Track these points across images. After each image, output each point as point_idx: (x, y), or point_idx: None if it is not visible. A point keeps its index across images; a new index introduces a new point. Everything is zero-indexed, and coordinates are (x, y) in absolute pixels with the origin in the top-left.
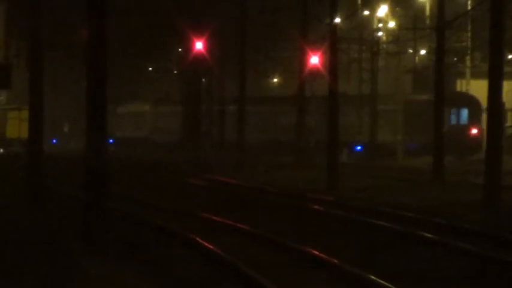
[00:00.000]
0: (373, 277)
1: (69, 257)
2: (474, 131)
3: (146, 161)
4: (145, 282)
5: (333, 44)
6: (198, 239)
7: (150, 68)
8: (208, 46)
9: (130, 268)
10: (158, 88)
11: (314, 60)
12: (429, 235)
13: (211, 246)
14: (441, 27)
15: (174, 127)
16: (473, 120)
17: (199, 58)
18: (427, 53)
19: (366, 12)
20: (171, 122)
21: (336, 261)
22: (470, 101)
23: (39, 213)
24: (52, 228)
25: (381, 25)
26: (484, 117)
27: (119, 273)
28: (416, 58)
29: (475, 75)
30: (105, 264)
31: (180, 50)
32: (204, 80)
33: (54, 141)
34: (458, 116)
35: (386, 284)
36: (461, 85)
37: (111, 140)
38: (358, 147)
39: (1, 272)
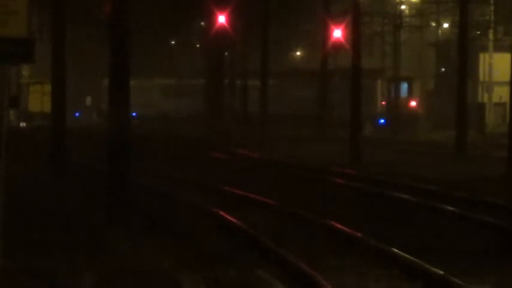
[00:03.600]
0: (396, 250)
1: (92, 230)
2: (413, 103)
3: (162, 134)
4: (167, 256)
5: (356, 17)
6: (220, 212)
7: (173, 42)
8: (231, 20)
9: (153, 241)
10: (181, 62)
11: (337, 33)
12: (452, 208)
13: (233, 220)
14: (464, 0)
15: (154, 101)
16: (413, 93)
17: (221, 32)
18: (450, 26)
19: None
20: (152, 96)
21: (359, 235)
22: (410, 76)
23: (63, 187)
24: (75, 201)
25: None
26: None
27: (141, 247)
28: (439, 32)
29: (498, 49)
30: (128, 237)
31: (202, 23)
32: (226, 54)
33: (77, 114)
34: (398, 89)
35: (410, 257)
36: (484, 59)
37: (134, 113)
38: (382, 121)
39: (25, 245)
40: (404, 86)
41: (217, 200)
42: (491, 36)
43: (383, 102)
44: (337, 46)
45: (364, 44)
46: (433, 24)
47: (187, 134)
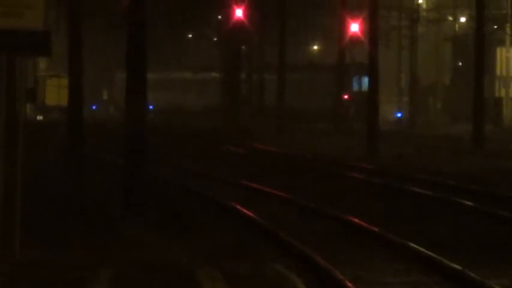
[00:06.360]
0: (414, 245)
1: (110, 223)
2: None
3: (179, 127)
4: (184, 249)
5: (373, 11)
6: (237, 206)
7: (190, 35)
8: (248, 13)
9: (169, 234)
10: (198, 55)
11: (354, 27)
12: (470, 203)
13: (250, 213)
14: None
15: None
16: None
17: (238, 25)
18: (467, 20)
19: None
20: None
21: (376, 229)
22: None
23: (80, 180)
24: (93, 195)
25: None
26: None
27: (157, 240)
28: (456, 26)
29: None
30: (145, 230)
31: (219, 17)
32: (243, 47)
33: (94, 107)
34: (360, 83)
35: (428, 252)
36: (501, 53)
37: (150, 107)
38: (399, 114)
39: (42, 237)
40: (365, 80)
41: (233, 193)
42: (508, 30)
43: (345, 96)
44: (354, 40)
45: (381, 38)
46: (450, 18)
47: (205, 127)
